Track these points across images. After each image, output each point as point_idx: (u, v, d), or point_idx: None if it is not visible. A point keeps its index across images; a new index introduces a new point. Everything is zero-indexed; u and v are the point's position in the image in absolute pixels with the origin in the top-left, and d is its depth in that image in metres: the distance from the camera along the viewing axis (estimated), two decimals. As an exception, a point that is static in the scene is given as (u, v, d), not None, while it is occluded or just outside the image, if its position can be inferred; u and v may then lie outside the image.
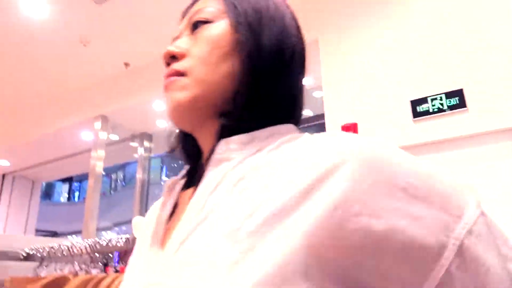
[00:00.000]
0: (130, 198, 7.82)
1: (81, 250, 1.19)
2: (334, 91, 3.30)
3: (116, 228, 12.68)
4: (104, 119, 6.11)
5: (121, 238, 1.08)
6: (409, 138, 2.76)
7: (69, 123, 6.48)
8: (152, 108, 5.75)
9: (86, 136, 6.77)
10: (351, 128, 2.94)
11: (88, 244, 1.18)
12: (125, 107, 5.77)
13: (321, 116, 4.16)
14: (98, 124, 6.09)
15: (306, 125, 10.83)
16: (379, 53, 3.14)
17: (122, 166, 14.45)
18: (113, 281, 0.96)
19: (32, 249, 1.35)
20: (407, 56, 3.00)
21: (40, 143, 7.25)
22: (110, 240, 1.08)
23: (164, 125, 6.37)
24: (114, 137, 6.88)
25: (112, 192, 15.00)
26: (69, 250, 1.24)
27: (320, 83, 3.56)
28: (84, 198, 9.32)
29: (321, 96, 3.74)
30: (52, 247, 1.26)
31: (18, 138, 7.26)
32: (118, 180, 15.26)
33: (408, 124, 2.80)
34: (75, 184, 17.43)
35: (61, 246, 1.26)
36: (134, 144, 6.89)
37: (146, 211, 4.83)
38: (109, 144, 6.48)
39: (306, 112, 6.64)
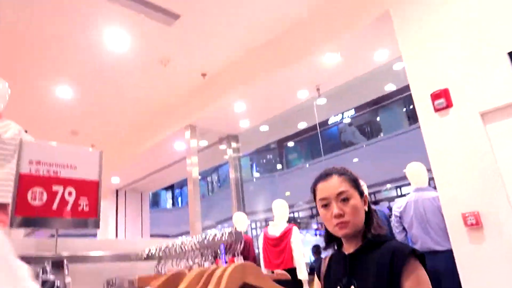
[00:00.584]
0: (227, 197, 8.21)
1: (191, 246, 1.30)
2: (416, 59, 3.07)
3: (219, 226, 13.43)
4: (193, 128, 6.52)
5: (225, 233, 1.15)
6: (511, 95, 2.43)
7: (162, 137, 7.05)
8: (234, 110, 5.96)
9: (179, 146, 7.28)
10: (441, 94, 2.72)
11: (197, 241, 1.27)
12: (209, 113, 6.07)
13: (405, 89, 3.91)
14: (187, 134, 6.52)
15: (390, 100, 10.25)
16: (460, 8, 2.83)
17: (216, 169, 15.23)
18: (224, 270, 1.03)
19: (151, 250, 1.51)
20: (494, 3, 2.65)
21: (141, 159, 8.01)
22: (215, 235, 1.17)
23: (247, 125, 6.56)
24: (204, 143, 7.29)
25: (210, 193, 15.90)
26: (181, 247, 1.36)
27: (399, 54, 3.35)
28: (186, 202, 10.04)
29: (402, 68, 3.52)
30: (167, 246, 1.39)
31: (124, 157, 8.10)
32: (214, 182, 16.13)
33: (508, 79, 2.48)
34: (177, 191, 18.85)
35: (174, 245, 1.38)
36: (222, 146, 7.22)
37: (243, 207, 5.00)
38: (200, 150, 6.89)
39: (389, 87, 6.28)
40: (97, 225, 1.47)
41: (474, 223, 2.40)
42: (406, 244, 1.24)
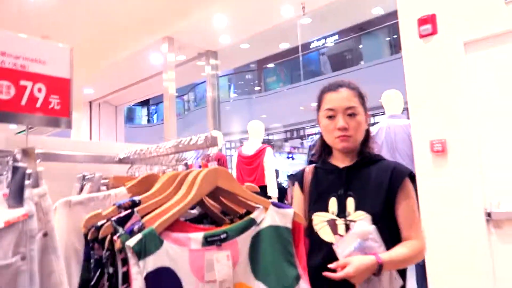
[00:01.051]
0: (203, 117, 8.18)
1: (166, 150, 1.30)
2: (408, -19, 2.92)
3: (194, 146, 13.61)
4: (170, 40, 6.22)
5: (200, 137, 1.15)
6: (502, 24, 2.39)
7: (138, 48, 6.73)
8: (214, 24, 5.69)
9: (156, 59, 7.01)
10: (428, 20, 2.65)
11: (172, 145, 1.27)
12: (188, 25, 5.78)
13: (393, 15, 3.79)
14: (165, 46, 6.24)
15: (377, 27, 10.01)
16: None
17: (193, 88, 14.95)
18: (198, 174, 1.05)
19: (125, 153, 1.51)
20: None
21: (116, 70, 7.72)
22: (190, 139, 1.16)
23: (227, 41, 6.32)
24: (182, 58, 7.04)
25: (186, 112, 15.81)
26: (156, 151, 1.36)
27: (393, -26, 3.18)
28: (162, 120, 10.00)
29: (394, -10, 3.36)
30: (141, 149, 1.39)
31: (98, 68, 7.76)
32: (190, 101, 15.94)
33: (499, 7, 2.41)
34: (152, 108, 18.61)
35: (149, 149, 1.38)
36: (201, 62, 7.01)
37: (219, 127, 5.01)
38: (178, 65, 6.67)
39: (377, 11, 6.07)
40: (69, 125, 1.44)
41: (440, 150, 2.52)
42: (404, 165, 1.30)
